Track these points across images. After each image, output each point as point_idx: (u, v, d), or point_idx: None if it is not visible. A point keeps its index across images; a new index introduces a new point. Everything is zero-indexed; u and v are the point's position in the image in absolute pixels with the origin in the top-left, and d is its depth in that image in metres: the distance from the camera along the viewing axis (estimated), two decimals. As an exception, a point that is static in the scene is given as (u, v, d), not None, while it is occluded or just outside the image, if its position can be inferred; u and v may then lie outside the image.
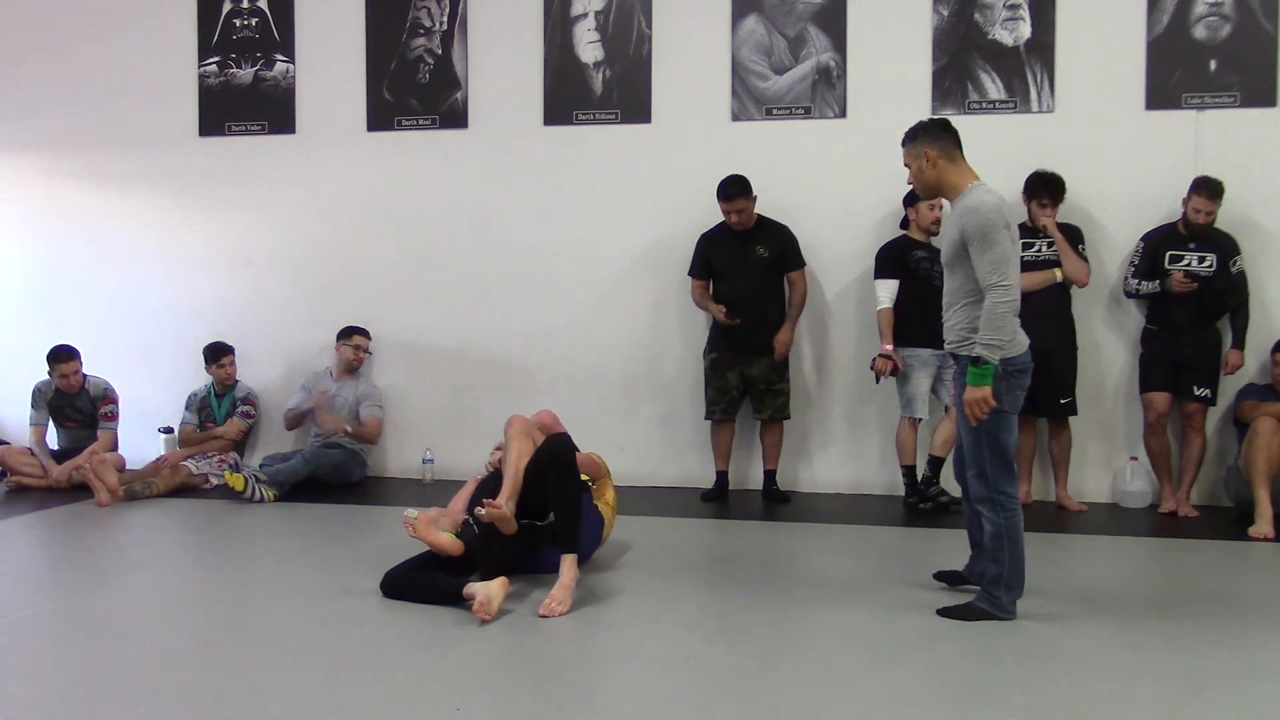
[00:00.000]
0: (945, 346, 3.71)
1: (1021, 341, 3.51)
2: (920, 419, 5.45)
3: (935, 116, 3.72)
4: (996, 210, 3.42)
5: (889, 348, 5.36)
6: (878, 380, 5.48)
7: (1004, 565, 3.50)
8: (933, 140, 3.61)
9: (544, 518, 3.91)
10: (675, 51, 6.08)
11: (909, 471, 5.52)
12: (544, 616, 3.48)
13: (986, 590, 3.56)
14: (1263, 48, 5.52)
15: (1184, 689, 2.93)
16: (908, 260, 5.42)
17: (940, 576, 3.94)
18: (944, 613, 3.59)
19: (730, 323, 5.56)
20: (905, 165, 3.71)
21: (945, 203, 5.30)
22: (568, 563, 3.66)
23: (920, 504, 5.43)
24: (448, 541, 3.77)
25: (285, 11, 6.54)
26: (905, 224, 5.58)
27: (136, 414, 6.41)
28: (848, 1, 5.87)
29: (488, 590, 3.44)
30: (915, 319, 5.32)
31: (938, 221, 5.47)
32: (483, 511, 3.70)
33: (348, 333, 6.27)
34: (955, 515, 5.27)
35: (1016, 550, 3.49)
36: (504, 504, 3.74)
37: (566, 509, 3.75)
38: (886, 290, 5.42)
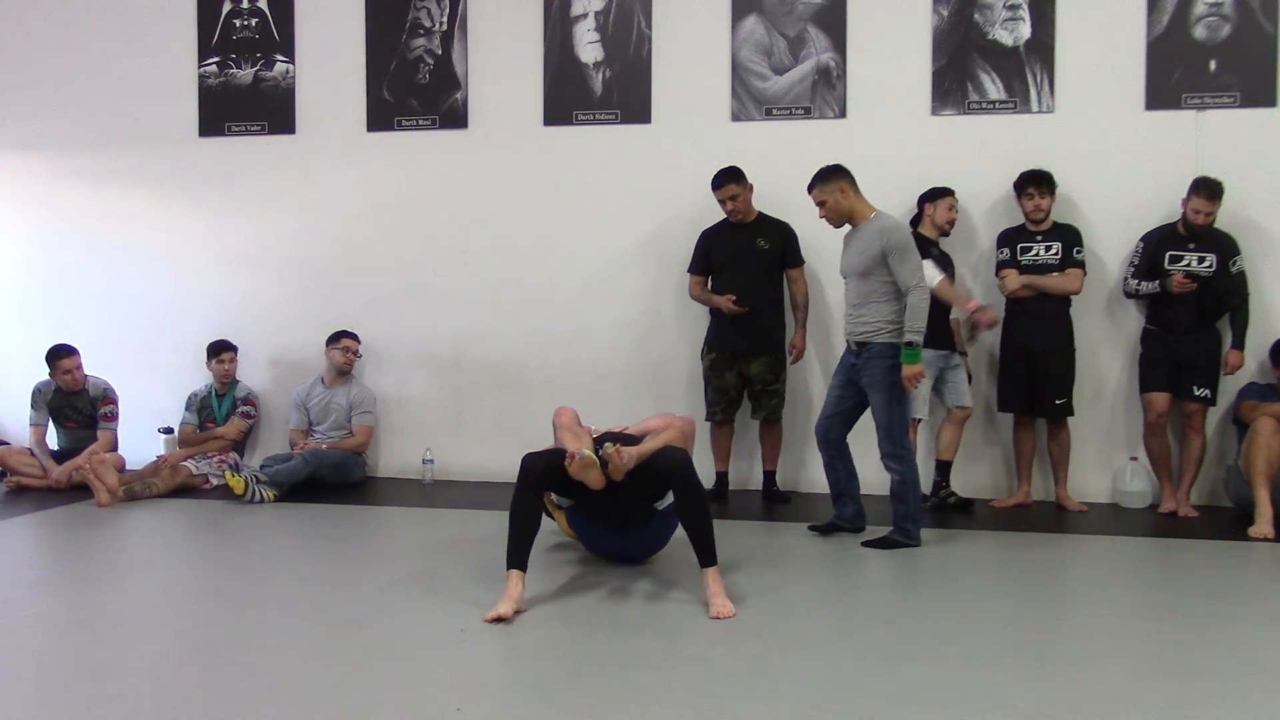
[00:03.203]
0: (854, 338, 4.53)
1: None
2: (920, 419, 5.45)
3: (834, 164, 4.59)
4: (910, 230, 4.34)
5: (976, 302, 5.32)
6: (971, 337, 5.63)
7: (909, 504, 4.51)
8: (843, 177, 4.50)
9: (630, 505, 3.98)
10: (675, 52, 6.08)
11: (909, 471, 5.54)
12: (715, 618, 3.50)
13: (899, 525, 4.53)
14: (1263, 48, 5.52)
15: (1184, 689, 2.93)
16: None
17: (814, 528, 4.80)
18: (868, 544, 4.53)
19: (738, 310, 5.53)
20: (819, 202, 4.53)
21: (950, 204, 5.43)
22: (711, 575, 3.66)
23: (923, 503, 5.43)
24: (597, 478, 3.75)
25: (285, 12, 6.54)
26: (915, 222, 5.56)
27: (136, 414, 6.41)
28: (848, 1, 5.88)
29: (511, 600, 3.49)
30: None
31: (952, 222, 5.48)
32: (612, 448, 3.73)
33: (336, 337, 6.27)
34: (958, 515, 5.30)
35: (917, 490, 4.56)
36: (628, 460, 3.74)
37: (697, 525, 3.71)
38: (929, 268, 5.06)
